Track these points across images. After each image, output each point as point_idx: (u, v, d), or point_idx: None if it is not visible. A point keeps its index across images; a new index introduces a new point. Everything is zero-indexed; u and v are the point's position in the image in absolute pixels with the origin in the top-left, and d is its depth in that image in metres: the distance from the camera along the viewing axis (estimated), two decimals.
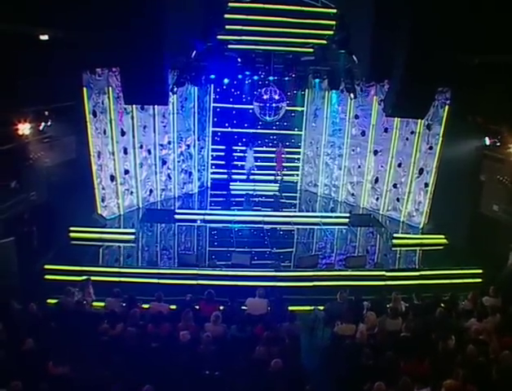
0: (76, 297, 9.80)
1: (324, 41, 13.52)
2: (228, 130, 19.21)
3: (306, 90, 18.85)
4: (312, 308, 10.82)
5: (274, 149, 19.43)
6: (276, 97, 15.17)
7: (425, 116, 12.18)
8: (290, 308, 10.07)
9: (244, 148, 19.30)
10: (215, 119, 18.98)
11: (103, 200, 14.81)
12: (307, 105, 19.16)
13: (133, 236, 14.10)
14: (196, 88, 17.23)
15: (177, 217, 15.89)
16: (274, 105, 15.27)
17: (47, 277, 11.61)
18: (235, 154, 19.35)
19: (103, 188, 14.81)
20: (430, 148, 15.15)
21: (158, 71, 9.89)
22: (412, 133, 15.69)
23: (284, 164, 19.55)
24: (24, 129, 10.74)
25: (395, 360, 7.64)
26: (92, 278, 10.83)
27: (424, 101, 10.93)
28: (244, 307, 9.98)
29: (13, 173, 11.13)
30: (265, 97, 15.21)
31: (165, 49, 9.76)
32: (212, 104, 18.79)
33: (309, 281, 12.31)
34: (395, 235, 15.04)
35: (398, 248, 14.75)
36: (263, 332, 8.40)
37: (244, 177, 19.24)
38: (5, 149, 10.35)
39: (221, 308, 9.75)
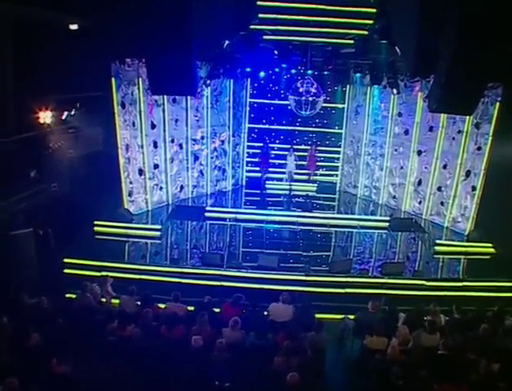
0: (93, 294, 9.44)
1: (365, 32, 12.75)
2: (266, 127, 18.55)
3: (348, 86, 18.00)
4: (342, 317, 10.10)
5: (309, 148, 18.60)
6: (313, 90, 14.35)
7: (473, 112, 11.25)
8: (318, 316, 9.45)
9: (282, 146, 18.59)
10: (252, 115, 18.38)
11: (130, 195, 14.40)
12: (348, 101, 18.26)
13: (158, 233, 13.66)
14: (231, 82, 16.74)
15: (207, 214, 15.42)
16: (310, 99, 14.46)
17: (67, 271, 11.34)
18: (272, 152, 18.68)
19: (131, 182, 14.40)
20: (479, 149, 14.14)
21: (185, 59, 9.42)
22: (459, 132, 14.70)
23: (317, 164, 18.69)
24: (46, 117, 10.48)
25: (428, 381, 6.90)
26: (112, 274, 10.56)
27: (472, 96, 10.04)
28: (267, 313, 9.33)
29: (33, 162, 10.86)
30: (301, 89, 14.43)
31: (193, 37, 9.29)
32: (249, 99, 18.20)
33: (341, 287, 11.60)
34: (437, 242, 14.13)
35: (440, 256, 13.83)
36: (285, 341, 7.75)
37: (285, 176, 18.46)
38: (24, 137, 10.10)
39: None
